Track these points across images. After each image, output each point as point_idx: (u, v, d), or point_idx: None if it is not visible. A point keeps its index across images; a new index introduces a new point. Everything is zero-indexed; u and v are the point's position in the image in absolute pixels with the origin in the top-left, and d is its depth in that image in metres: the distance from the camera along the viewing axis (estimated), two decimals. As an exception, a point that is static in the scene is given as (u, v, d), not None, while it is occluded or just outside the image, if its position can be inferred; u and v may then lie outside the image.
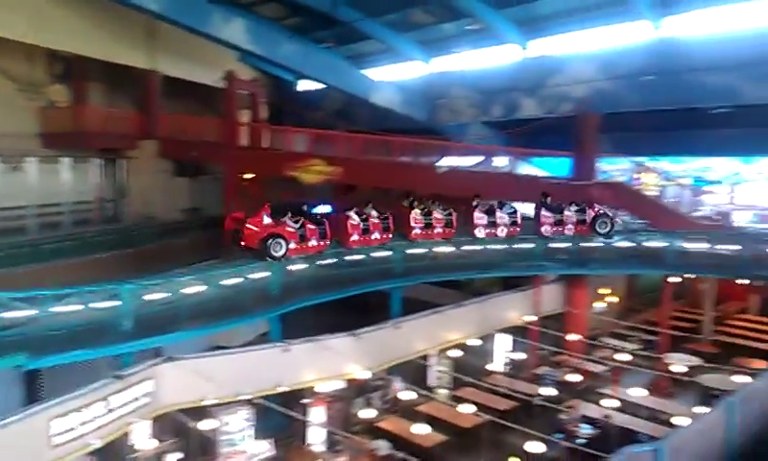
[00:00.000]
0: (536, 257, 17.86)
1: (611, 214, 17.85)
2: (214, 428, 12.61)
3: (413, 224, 17.31)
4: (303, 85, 32.97)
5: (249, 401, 12.88)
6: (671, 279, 18.60)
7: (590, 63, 22.22)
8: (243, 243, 14.93)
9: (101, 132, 25.08)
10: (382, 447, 13.30)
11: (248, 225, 14.80)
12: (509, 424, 12.82)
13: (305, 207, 16.33)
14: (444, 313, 16.62)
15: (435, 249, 17.71)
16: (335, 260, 16.66)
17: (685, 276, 19.18)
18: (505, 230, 17.90)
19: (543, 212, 17.90)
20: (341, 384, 14.77)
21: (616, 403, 14.82)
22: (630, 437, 13.38)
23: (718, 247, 17.40)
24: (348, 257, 16.93)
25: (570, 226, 17.91)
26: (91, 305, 11.74)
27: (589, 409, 15.11)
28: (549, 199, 18.17)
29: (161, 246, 24.37)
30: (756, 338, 19.75)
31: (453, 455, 14.08)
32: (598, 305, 20.06)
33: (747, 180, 23.19)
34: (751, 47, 18.57)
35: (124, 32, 25.30)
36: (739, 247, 16.91)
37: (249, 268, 14.54)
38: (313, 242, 15.48)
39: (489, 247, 18.14)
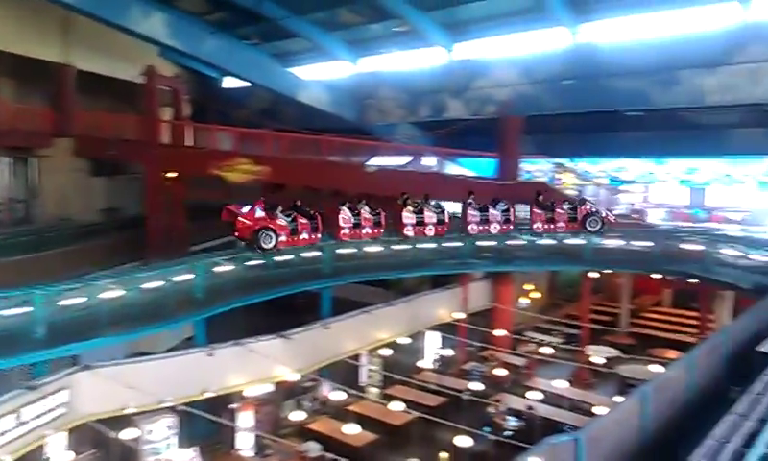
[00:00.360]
0: (464, 256, 18.21)
1: (602, 213, 18.21)
2: (136, 438, 12.11)
3: (405, 221, 17.62)
4: (229, 83, 32.24)
5: (172, 409, 12.45)
6: (590, 275, 19.49)
7: (513, 68, 22.92)
8: (237, 234, 15.59)
9: (10, 129, 23.53)
10: (312, 448, 13.22)
11: (240, 218, 15.36)
12: (439, 420, 12.93)
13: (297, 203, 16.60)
14: (374, 313, 16.68)
15: (365, 248, 17.72)
16: (263, 261, 16.42)
17: (603, 271, 20.08)
18: (498, 226, 18.17)
19: (535, 210, 18.28)
20: (270, 387, 14.54)
21: (541, 396, 15.36)
22: (554, 427, 13.88)
23: (633, 243, 18.34)
24: (276, 258, 16.72)
25: (561, 223, 18.23)
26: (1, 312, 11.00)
27: (516, 402, 15.59)
28: (542, 197, 18.41)
29: (78, 248, 23.11)
30: (669, 329, 21.02)
31: (385, 453, 14.17)
32: (523, 301, 20.74)
33: (659, 179, 24.63)
34: (658, 55, 19.71)
35: (36, 24, 23.87)
36: (652, 243, 17.88)
37: (172, 270, 14.06)
38: (304, 235, 16.19)
39: (418, 246, 18.35)
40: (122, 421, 11.82)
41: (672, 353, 17.76)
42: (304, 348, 14.70)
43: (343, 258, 17.71)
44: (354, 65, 28.26)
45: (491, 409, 14.93)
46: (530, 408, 14.81)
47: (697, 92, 19.00)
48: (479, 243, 18.56)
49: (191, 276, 14.10)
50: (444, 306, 18.58)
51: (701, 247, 17.23)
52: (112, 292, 12.55)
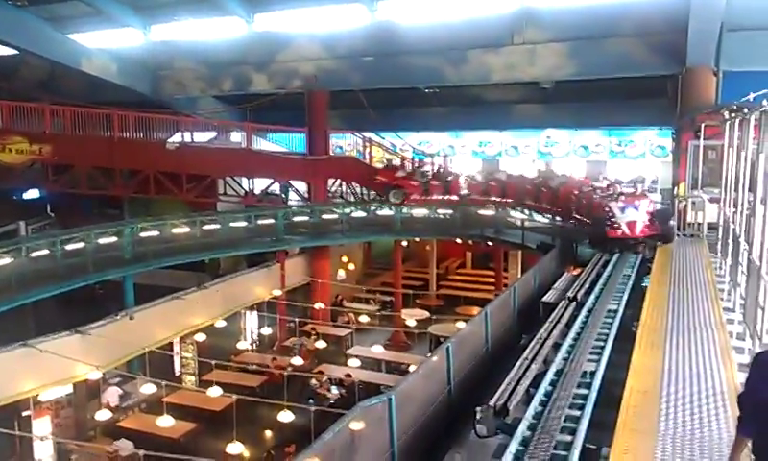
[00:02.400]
0: (279, 232, 18.27)
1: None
2: None
3: None
4: (-6, 50, 28.10)
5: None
6: (401, 243, 20.76)
7: (315, 42, 23.09)
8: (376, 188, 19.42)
9: None
10: (124, 447, 12.45)
11: (379, 176, 18.99)
12: (261, 400, 13.07)
13: None
14: (186, 297, 16.09)
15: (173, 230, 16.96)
16: (49, 250, 14.96)
17: (413, 239, 21.50)
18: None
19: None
20: (69, 389, 13.36)
21: (359, 363, 16.08)
22: (373, 390, 14.69)
23: (438, 211, 19.90)
24: (67, 246, 15.31)
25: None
26: None
27: (337, 371, 16.17)
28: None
29: None
30: (472, 288, 23.13)
31: (205, 441, 13.83)
32: (340, 273, 21.45)
33: (457, 152, 26.87)
34: (450, 35, 21.26)
35: None
36: (452, 211, 19.55)
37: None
38: (437, 195, 18.73)
39: (231, 225, 18.07)
40: None
41: (475, 310, 19.62)
42: (106, 342, 13.75)
43: (144, 243, 16.82)
44: (146, 34, 26.34)
45: (313, 382, 15.31)
46: (348, 376, 15.45)
47: (484, 70, 20.93)
48: (295, 219, 18.85)
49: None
50: (262, 285, 18.60)
51: (493, 212, 19.26)
52: None
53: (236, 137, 24.53)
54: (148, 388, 13.95)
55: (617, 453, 4.76)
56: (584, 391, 6.25)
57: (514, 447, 5.38)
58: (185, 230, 17.37)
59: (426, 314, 19.18)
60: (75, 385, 13.54)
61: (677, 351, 6.79)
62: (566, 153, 25.94)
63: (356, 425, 6.82)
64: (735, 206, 9.72)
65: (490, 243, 20.08)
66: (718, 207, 11.72)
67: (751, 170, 8.57)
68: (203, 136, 24.25)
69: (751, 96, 8.61)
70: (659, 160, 24.64)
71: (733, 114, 10.18)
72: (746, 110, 8.87)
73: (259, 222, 18.15)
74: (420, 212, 19.77)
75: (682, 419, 5.29)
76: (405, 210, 19.43)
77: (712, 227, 12.52)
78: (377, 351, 16.52)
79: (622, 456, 4.72)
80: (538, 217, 18.51)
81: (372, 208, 19.79)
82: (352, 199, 22.01)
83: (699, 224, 13.05)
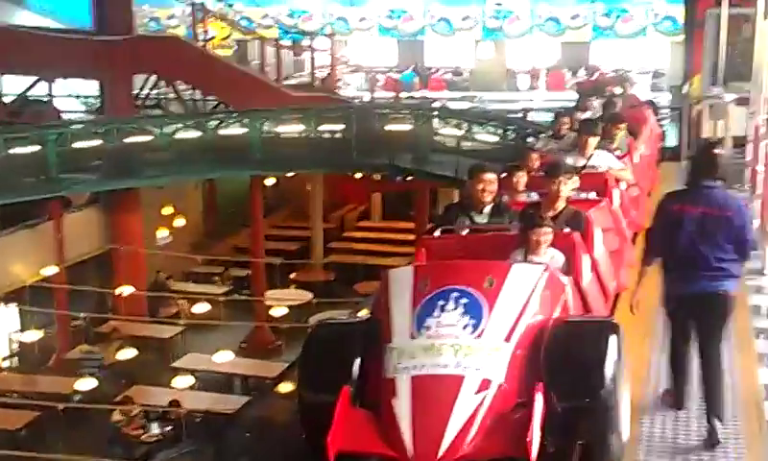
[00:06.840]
0: (51, 167, 17.30)
1: None
2: None
3: None
4: None
5: None
6: (265, 182, 20.28)
7: None
8: None
9: None
10: None
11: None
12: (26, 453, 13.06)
13: None
14: None
15: None
16: None
17: (283, 174, 21.04)
18: None
19: None
20: None
21: (193, 381, 15.90)
22: (215, 421, 14.65)
23: (321, 128, 19.40)
24: None
25: None
26: None
27: (158, 397, 15.74)
28: None
29: None
30: (382, 251, 22.86)
31: None
32: (161, 234, 20.87)
33: (353, 29, 26.25)
34: None
35: None
36: (344, 126, 19.09)
37: None
38: None
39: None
40: None
41: (381, 286, 19.55)
42: None
43: None
44: None
45: (118, 416, 14.87)
46: (176, 403, 15.10)
47: None
48: (80, 144, 17.88)
49: None
50: (23, 258, 18.10)
51: (413, 127, 18.99)
52: None
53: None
54: None
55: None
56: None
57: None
58: None
59: (308, 296, 19.16)
60: None
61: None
62: (528, 29, 26.01)
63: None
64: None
65: (409, 178, 19.90)
66: (748, 113, 11.87)
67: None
68: None
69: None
70: (667, 40, 25.12)
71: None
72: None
73: (15, 150, 17.10)
74: (291, 129, 19.24)
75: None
76: (267, 127, 18.85)
77: (740, 143, 12.74)
78: (225, 359, 16.22)
79: None
80: (480, 133, 18.45)
81: (213, 124, 19.00)
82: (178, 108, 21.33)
83: (720, 138, 13.27)
